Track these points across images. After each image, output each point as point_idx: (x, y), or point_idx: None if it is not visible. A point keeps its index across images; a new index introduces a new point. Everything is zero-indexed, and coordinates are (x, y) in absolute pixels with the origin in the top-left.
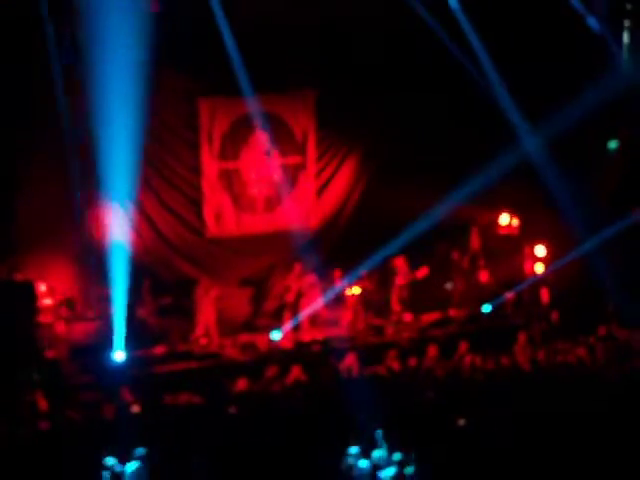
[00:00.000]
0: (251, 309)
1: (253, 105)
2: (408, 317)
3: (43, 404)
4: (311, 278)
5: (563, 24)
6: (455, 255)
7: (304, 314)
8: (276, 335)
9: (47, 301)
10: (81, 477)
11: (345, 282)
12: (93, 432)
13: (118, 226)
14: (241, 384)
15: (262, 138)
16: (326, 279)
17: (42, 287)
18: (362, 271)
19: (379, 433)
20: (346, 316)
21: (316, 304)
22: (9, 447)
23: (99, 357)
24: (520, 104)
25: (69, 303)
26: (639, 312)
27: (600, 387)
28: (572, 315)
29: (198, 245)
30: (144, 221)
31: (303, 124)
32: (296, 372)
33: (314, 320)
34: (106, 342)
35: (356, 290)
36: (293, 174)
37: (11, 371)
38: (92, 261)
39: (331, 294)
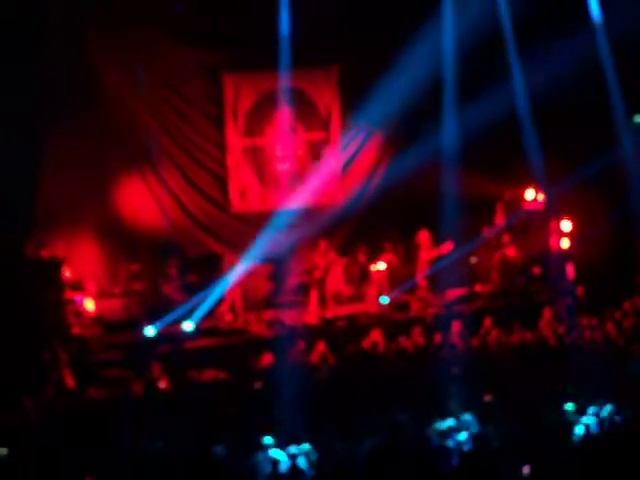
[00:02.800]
0: (275, 285)
1: (278, 81)
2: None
3: (70, 381)
4: (334, 254)
5: None
6: (485, 230)
7: (330, 290)
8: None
9: (73, 277)
10: (109, 455)
11: (371, 258)
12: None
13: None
14: (266, 359)
15: (287, 114)
16: (352, 255)
17: (68, 263)
18: (387, 246)
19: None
20: (371, 292)
21: (341, 280)
22: (37, 424)
23: (126, 333)
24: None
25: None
26: None
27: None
28: (598, 290)
29: (223, 221)
30: (168, 196)
31: (327, 99)
32: (321, 348)
33: (339, 296)
34: (133, 318)
35: (381, 266)
36: (318, 150)
37: (38, 348)
38: (119, 237)
39: (356, 270)
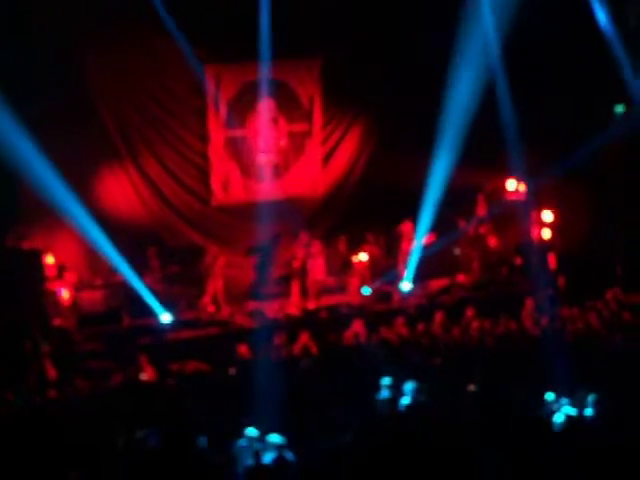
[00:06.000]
0: (257, 277)
1: (259, 72)
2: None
3: (52, 372)
4: (318, 245)
5: None
6: (461, 222)
7: (311, 281)
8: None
9: (54, 269)
10: (91, 446)
11: (352, 249)
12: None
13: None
14: (243, 349)
15: (269, 105)
16: (333, 246)
17: (49, 255)
18: (369, 237)
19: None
20: (353, 282)
21: (323, 271)
22: (18, 416)
23: (107, 325)
24: (526, 70)
25: (61, 269)
26: None
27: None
28: (579, 280)
29: (205, 213)
30: (149, 188)
31: (309, 91)
32: (304, 339)
33: (321, 287)
34: (114, 309)
35: (363, 257)
36: (300, 141)
37: (19, 340)
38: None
39: (338, 261)
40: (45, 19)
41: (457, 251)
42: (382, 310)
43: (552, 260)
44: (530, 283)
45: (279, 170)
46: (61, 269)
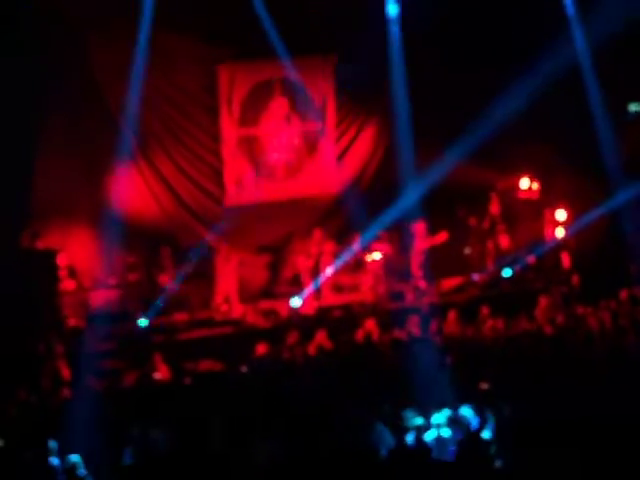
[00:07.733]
0: (271, 276)
1: (272, 71)
2: (423, 284)
3: (65, 373)
4: (331, 244)
5: None
6: (472, 221)
7: (324, 280)
8: (296, 302)
9: (68, 269)
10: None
11: (365, 247)
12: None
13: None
14: (261, 349)
15: (282, 104)
16: (346, 245)
17: (63, 254)
18: (382, 236)
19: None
20: (367, 281)
21: (336, 270)
22: (32, 416)
23: (121, 324)
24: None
25: (71, 271)
26: None
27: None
28: (593, 279)
29: (218, 212)
30: (163, 187)
31: (322, 90)
32: (320, 338)
33: (335, 286)
34: (128, 309)
35: (376, 255)
36: (313, 140)
37: (33, 340)
38: (113, 228)
39: (351, 260)
40: (57, 19)
41: (468, 250)
42: (395, 309)
43: (566, 258)
44: (544, 281)
45: (292, 169)
46: (72, 270)
